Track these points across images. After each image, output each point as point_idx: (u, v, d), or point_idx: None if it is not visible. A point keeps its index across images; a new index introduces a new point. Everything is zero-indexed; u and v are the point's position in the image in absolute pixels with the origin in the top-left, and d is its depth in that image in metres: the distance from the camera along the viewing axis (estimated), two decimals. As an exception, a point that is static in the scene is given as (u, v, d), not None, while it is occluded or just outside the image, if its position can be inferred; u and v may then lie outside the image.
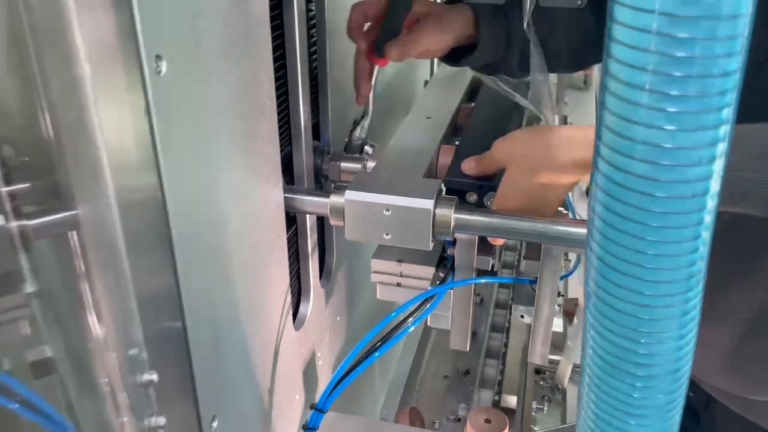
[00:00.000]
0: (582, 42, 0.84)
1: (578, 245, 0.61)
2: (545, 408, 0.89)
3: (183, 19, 0.43)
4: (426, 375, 1.02)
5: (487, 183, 0.68)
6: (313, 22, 0.71)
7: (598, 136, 0.34)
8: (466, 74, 0.98)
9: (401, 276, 0.77)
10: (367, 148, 0.77)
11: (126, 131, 0.39)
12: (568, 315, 1.06)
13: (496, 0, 0.60)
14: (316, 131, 0.77)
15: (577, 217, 0.78)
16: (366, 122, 0.77)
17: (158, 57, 0.40)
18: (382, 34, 0.71)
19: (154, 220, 0.43)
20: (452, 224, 0.63)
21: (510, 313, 1.04)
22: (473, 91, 0.98)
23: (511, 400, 0.88)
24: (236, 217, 0.54)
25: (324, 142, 0.78)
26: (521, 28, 0.79)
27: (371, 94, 0.74)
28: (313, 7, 0.71)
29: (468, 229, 0.64)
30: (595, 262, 0.36)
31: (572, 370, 1.02)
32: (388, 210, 0.63)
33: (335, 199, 0.65)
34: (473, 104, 0.90)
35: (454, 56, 0.79)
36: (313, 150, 0.74)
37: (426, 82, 1.05)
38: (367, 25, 0.73)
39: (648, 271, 0.34)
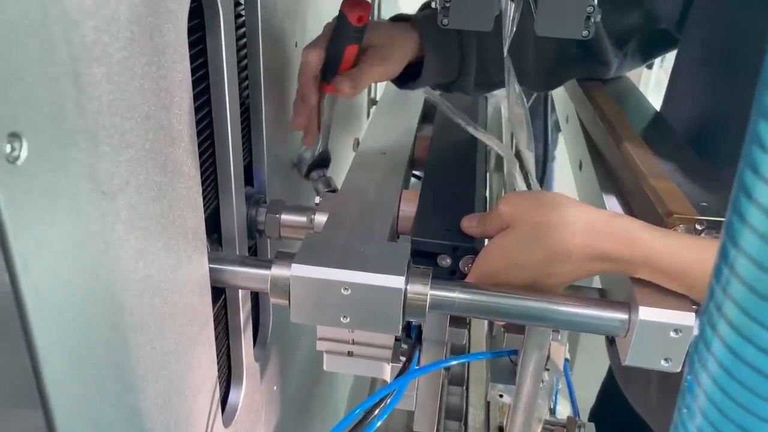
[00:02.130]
0: (555, 60, 0.74)
1: (601, 331, 0.49)
2: (512, 475, 0.79)
3: (55, 70, 0.27)
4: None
5: (465, 244, 0.56)
6: (243, 41, 0.56)
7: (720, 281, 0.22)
8: (418, 94, 0.85)
9: (353, 344, 0.64)
10: (320, 185, 0.64)
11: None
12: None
13: (482, 27, 0.48)
14: (248, 174, 0.62)
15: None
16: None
17: (13, 136, 0.25)
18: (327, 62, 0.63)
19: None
20: (428, 304, 0.50)
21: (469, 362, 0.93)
22: (426, 114, 0.85)
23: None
24: (141, 314, 0.39)
25: (258, 187, 0.63)
26: (475, 44, 0.72)
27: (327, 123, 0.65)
28: (244, 29, 0.56)
29: (447, 308, 0.51)
30: None
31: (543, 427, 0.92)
32: (346, 289, 0.49)
33: (278, 272, 0.50)
34: (431, 134, 0.77)
35: (402, 77, 0.70)
36: (245, 199, 0.59)
37: (372, 101, 0.91)
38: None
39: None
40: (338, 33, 0.62)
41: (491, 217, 0.55)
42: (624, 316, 0.49)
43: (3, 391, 0.28)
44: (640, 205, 0.59)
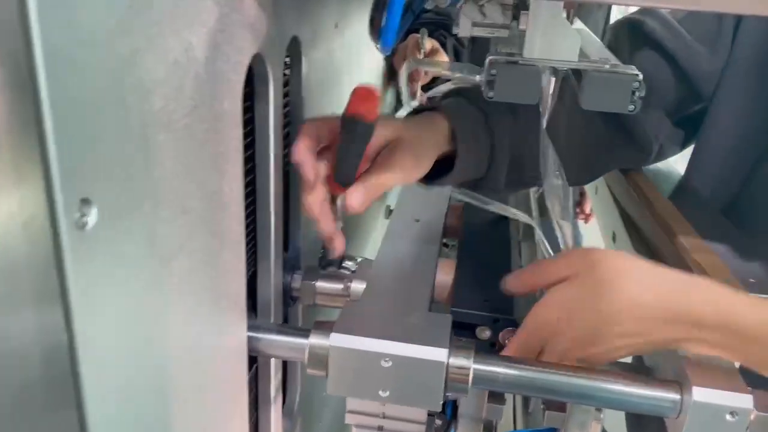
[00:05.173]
0: (590, 149, 0.73)
1: (651, 411, 0.47)
2: None
3: (126, 136, 0.28)
4: None
5: (506, 317, 0.55)
6: (287, 109, 0.57)
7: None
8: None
9: (384, 417, 0.62)
10: (347, 262, 0.63)
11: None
12: None
13: (528, 100, 0.48)
14: (285, 239, 0.61)
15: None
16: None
17: (85, 202, 0.25)
18: (339, 165, 0.53)
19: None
20: (470, 379, 0.49)
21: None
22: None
23: None
24: (184, 383, 0.37)
25: (293, 253, 0.62)
26: (508, 139, 0.66)
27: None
28: (287, 98, 0.57)
29: (491, 384, 0.50)
30: None
31: None
32: (387, 360, 0.48)
33: (317, 341, 0.49)
34: (462, 203, 0.77)
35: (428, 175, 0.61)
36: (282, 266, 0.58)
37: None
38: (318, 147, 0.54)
39: None
40: (352, 138, 0.51)
41: (549, 266, 0.51)
42: (676, 396, 0.47)
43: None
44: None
